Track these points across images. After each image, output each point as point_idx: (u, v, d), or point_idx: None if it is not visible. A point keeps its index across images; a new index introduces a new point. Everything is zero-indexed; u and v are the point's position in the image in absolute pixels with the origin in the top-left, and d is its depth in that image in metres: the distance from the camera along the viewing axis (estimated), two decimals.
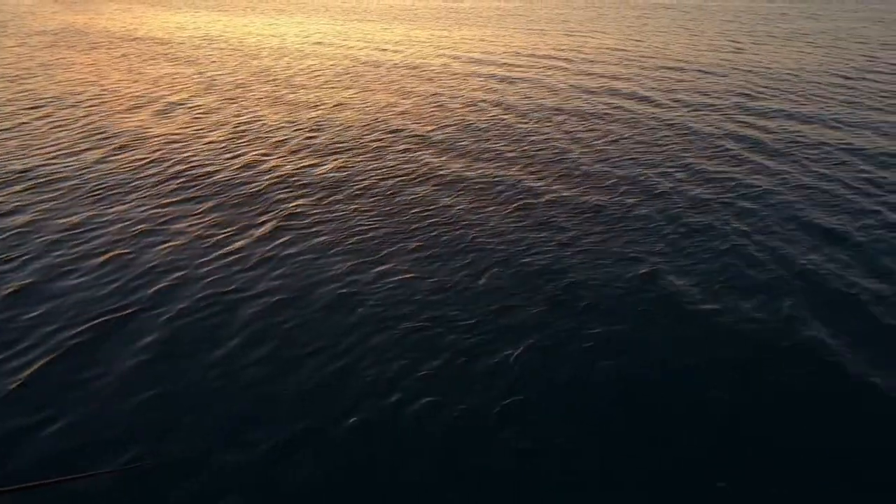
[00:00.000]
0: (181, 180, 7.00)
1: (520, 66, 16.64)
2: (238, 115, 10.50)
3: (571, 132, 9.31)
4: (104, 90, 12.58)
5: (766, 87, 13.36)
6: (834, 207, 6.23)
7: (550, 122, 10.04)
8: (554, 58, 17.94)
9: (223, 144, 8.66)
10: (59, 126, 9.45)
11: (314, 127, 9.56)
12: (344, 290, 4.52)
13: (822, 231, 5.63)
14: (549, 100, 11.90)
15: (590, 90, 12.95)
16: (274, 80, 14.22)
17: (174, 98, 11.89)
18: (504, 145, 8.62)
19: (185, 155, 7.98)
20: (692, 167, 7.64)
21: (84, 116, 10.07)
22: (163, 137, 8.94)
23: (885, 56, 17.97)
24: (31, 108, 10.62)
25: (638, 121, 10.11)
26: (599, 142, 8.88)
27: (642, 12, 37.94)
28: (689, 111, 10.94)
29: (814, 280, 4.69)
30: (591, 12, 38.41)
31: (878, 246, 5.30)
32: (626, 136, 9.19)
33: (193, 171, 7.30)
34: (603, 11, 39.02)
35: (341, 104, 11.45)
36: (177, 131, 9.32)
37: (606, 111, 10.95)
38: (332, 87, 13.21)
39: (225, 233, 5.57)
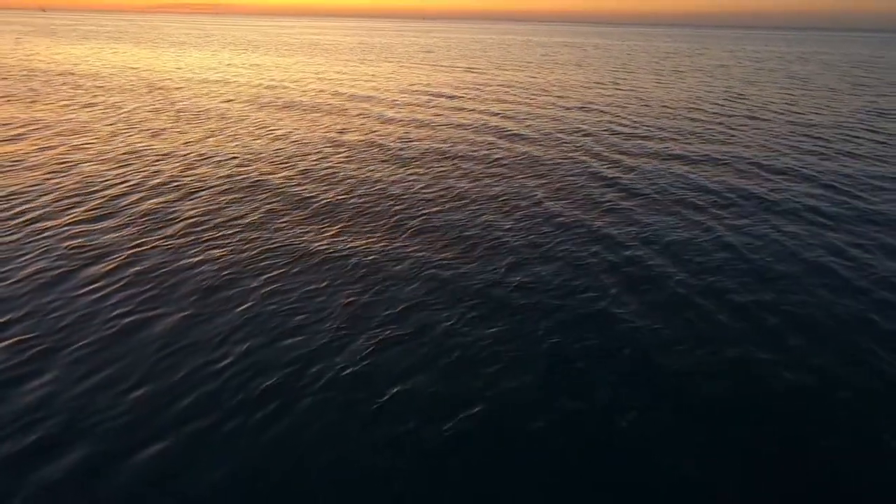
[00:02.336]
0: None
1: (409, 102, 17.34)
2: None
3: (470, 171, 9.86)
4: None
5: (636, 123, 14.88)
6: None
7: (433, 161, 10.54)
8: (451, 96, 18.85)
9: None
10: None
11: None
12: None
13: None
14: (431, 140, 12.48)
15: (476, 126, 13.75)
16: (180, 112, 13.78)
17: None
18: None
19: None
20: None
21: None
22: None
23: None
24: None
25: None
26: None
27: (548, 49, 40.85)
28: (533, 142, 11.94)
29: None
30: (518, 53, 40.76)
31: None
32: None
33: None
34: (511, 52, 41.58)
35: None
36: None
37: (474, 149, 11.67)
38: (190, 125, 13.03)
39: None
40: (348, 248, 6.01)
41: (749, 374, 4.05)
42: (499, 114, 14.84)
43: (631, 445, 3.34)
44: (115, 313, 4.61)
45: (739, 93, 20.42)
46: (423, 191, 8.15)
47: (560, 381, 3.91)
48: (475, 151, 10.65)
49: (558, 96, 18.46)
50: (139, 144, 10.56)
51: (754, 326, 4.67)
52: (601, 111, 15.60)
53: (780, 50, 56.84)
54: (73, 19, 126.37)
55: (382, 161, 9.81)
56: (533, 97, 18.12)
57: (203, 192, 7.84)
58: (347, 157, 10.04)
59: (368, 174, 8.97)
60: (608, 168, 9.68)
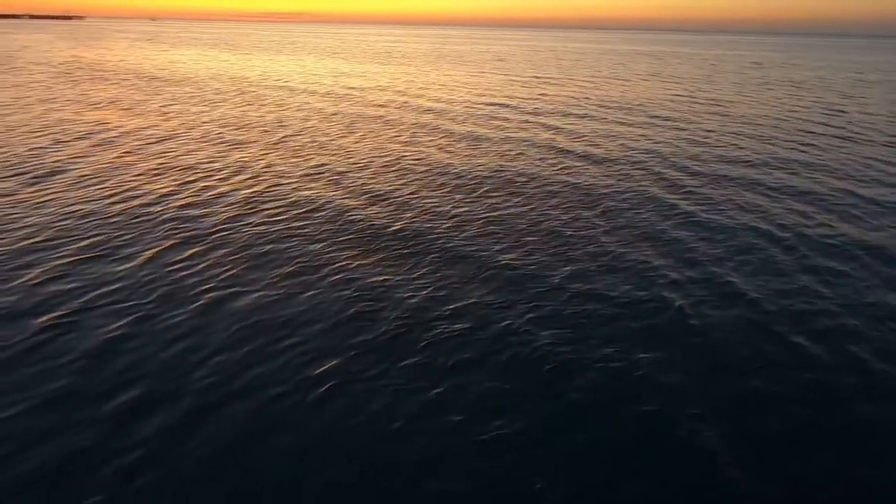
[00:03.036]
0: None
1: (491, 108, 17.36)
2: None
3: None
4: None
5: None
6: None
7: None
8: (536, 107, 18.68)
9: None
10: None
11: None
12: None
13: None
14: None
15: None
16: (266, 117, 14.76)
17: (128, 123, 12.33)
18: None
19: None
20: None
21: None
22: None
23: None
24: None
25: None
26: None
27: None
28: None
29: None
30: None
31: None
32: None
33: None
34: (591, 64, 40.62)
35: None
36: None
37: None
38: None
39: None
40: (415, 245, 6.25)
41: (831, 401, 3.83)
42: (565, 126, 14.69)
43: (692, 455, 3.27)
44: (202, 288, 5.11)
45: (837, 109, 18.85)
46: (489, 194, 8.27)
47: (621, 387, 3.88)
48: (542, 162, 10.64)
49: (632, 109, 17.95)
50: (228, 141, 11.51)
51: (837, 353, 4.38)
52: (680, 127, 15.01)
53: (886, 59, 51.68)
54: (177, 27, 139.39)
55: (449, 169, 10.04)
56: (605, 109, 17.75)
57: (285, 184, 8.43)
58: (415, 161, 10.37)
59: (437, 178, 9.23)
60: (681, 187, 9.34)
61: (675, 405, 3.73)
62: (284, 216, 7.11)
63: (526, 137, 12.56)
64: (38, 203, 7.32)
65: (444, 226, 6.92)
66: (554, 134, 13.07)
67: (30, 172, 8.71)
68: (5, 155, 9.74)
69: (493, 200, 8.00)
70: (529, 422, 3.54)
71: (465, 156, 10.72)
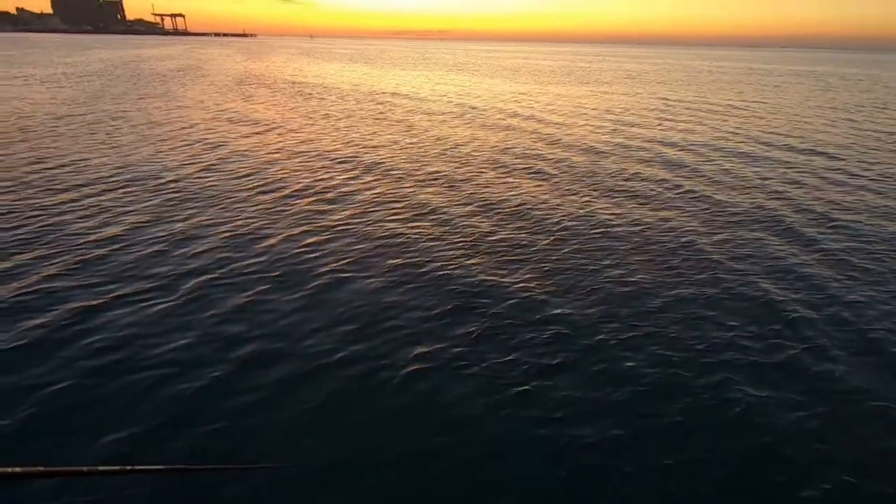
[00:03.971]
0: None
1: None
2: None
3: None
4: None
5: None
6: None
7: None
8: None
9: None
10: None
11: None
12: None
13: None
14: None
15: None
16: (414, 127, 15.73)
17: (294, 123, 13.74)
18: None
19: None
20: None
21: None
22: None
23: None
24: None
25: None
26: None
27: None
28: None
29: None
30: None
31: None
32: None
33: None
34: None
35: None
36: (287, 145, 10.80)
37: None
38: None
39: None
40: (520, 253, 6.34)
41: None
42: (684, 146, 13.67)
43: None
44: (321, 271, 5.71)
45: None
46: (602, 210, 8.06)
47: (718, 419, 3.60)
48: (661, 182, 10.07)
49: (774, 137, 16.14)
50: (357, 144, 12.60)
51: None
52: (831, 156, 13.18)
53: None
54: (329, 44, 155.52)
55: (564, 181, 9.95)
56: (742, 137, 16.20)
57: (404, 186, 9.04)
58: (529, 173, 10.44)
59: (549, 190, 9.21)
60: (828, 220, 8.24)
61: (783, 448, 3.36)
62: (400, 215, 7.63)
63: (646, 156, 11.96)
64: (203, 187, 8.72)
65: (552, 237, 6.90)
66: (672, 150, 12.26)
67: (198, 160, 10.40)
68: (183, 145, 11.73)
69: (606, 216, 7.78)
70: (605, 434, 3.43)
71: (582, 170, 10.54)
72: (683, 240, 6.95)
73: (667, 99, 24.03)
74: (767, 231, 7.38)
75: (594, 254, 6.38)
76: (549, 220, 7.53)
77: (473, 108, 19.73)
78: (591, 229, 7.22)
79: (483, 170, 10.42)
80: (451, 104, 20.62)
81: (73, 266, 5.59)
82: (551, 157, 11.73)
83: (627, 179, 9.94)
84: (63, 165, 9.65)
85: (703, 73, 46.16)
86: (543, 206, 8.22)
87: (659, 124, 16.55)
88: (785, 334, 4.69)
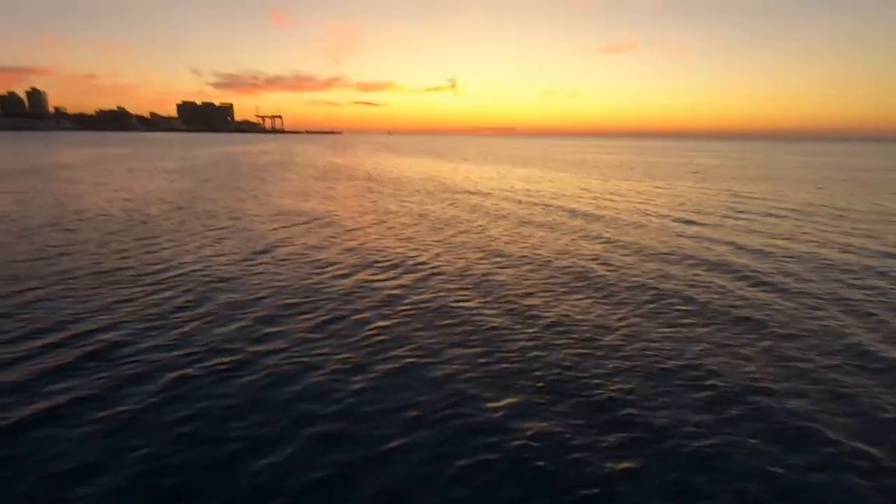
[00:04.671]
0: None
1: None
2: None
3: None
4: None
5: None
6: None
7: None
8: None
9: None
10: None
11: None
12: None
13: None
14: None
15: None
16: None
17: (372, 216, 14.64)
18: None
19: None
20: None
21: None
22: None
23: None
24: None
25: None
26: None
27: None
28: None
29: None
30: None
31: None
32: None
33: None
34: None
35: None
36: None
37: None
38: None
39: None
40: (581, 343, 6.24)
41: None
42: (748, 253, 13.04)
43: None
44: (391, 355, 5.90)
45: None
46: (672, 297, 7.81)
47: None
48: (722, 294, 9.62)
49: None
50: (425, 234, 13.27)
51: None
52: None
53: None
54: (405, 139, 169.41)
55: (627, 276, 9.81)
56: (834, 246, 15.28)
57: (473, 276, 9.32)
58: (584, 262, 10.41)
59: (615, 286, 9.10)
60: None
61: None
62: (469, 303, 7.81)
63: (715, 257, 11.54)
64: (281, 271, 9.51)
65: (625, 334, 6.74)
66: (731, 252, 11.71)
67: (278, 246, 11.39)
68: (265, 231, 12.95)
69: (661, 329, 7.50)
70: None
71: (647, 275, 10.35)
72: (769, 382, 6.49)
73: (740, 195, 23.44)
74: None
75: (661, 347, 6.11)
76: (617, 316, 7.38)
77: (536, 201, 20.29)
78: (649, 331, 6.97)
79: (545, 263, 10.53)
80: (514, 198, 21.34)
81: (171, 339, 6.19)
82: (614, 255, 11.65)
83: (695, 287, 9.60)
84: (163, 245, 10.95)
85: (783, 167, 44.84)
86: (611, 302, 8.10)
87: (730, 226, 16.08)
88: None
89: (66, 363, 5.47)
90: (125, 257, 9.94)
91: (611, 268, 9.98)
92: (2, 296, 7.55)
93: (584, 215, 16.39)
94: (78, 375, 5.22)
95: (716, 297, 8.27)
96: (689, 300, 8.05)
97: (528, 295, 8.16)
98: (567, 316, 7.23)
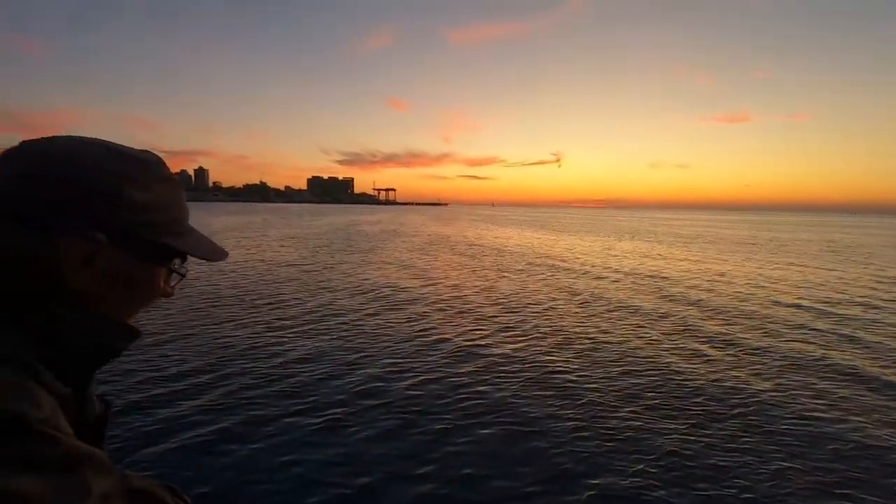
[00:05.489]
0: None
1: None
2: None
3: None
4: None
5: None
6: None
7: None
8: None
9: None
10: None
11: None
12: None
13: None
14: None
15: None
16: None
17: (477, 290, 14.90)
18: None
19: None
20: None
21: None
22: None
23: None
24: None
25: None
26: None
27: None
28: None
29: None
30: None
31: None
32: None
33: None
34: None
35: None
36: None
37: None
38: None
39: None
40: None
41: None
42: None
43: None
44: (496, 421, 5.98)
45: None
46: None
47: None
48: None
49: None
50: (526, 304, 13.34)
51: None
52: None
53: None
54: (508, 211, 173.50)
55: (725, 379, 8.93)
56: None
57: (580, 349, 9.18)
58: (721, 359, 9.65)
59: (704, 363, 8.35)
60: None
61: None
62: (574, 374, 7.69)
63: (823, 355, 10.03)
64: (385, 331, 10.13)
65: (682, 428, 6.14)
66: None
67: (383, 310, 12.16)
68: (369, 292, 13.90)
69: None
70: None
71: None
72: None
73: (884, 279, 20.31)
74: None
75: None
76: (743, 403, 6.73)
77: (643, 278, 19.45)
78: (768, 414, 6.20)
79: (647, 345, 9.99)
80: (617, 273, 20.68)
81: (278, 389, 6.89)
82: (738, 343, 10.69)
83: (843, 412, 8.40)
84: (283, 299, 12.28)
85: None
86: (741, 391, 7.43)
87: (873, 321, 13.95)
88: None
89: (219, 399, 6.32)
90: (252, 308, 11.33)
91: (716, 357, 9.17)
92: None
93: (698, 298, 14.94)
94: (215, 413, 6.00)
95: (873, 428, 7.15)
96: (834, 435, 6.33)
97: (627, 374, 7.79)
98: (671, 400, 6.77)
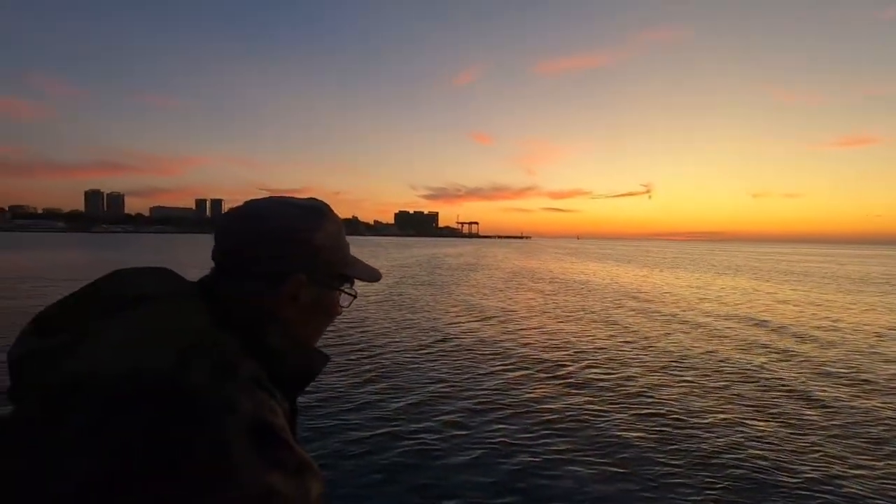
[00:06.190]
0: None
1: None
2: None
3: None
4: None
5: None
6: None
7: None
8: None
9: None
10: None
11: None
12: None
13: None
14: None
15: None
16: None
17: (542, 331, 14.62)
18: None
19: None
20: None
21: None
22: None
23: None
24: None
25: None
26: None
27: None
28: None
29: None
30: None
31: None
32: None
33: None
34: None
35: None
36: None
37: None
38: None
39: None
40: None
41: None
42: None
43: None
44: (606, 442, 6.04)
45: None
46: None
47: None
48: None
49: None
50: (612, 343, 12.97)
51: None
52: None
53: None
54: (594, 244, 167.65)
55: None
56: None
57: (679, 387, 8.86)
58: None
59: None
60: None
61: None
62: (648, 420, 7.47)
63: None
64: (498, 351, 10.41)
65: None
66: None
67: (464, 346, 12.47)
68: (451, 325, 14.26)
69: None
70: None
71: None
72: None
73: None
74: None
75: None
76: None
77: (744, 321, 17.95)
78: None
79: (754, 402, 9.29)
80: (715, 315, 19.28)
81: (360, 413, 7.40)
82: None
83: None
84: (367, 330, 13.01)
85: None
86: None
87: None
88: None
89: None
90: (339, 332, 12.19)
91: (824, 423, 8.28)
92: None
93: (813, 352, 12.53)
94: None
95: None
96: None
97: (724, 432, 7.36)
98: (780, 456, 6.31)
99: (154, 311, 0.68)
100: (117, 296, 0.71)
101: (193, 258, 42.74)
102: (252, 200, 0.87)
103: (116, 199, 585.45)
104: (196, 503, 0.54)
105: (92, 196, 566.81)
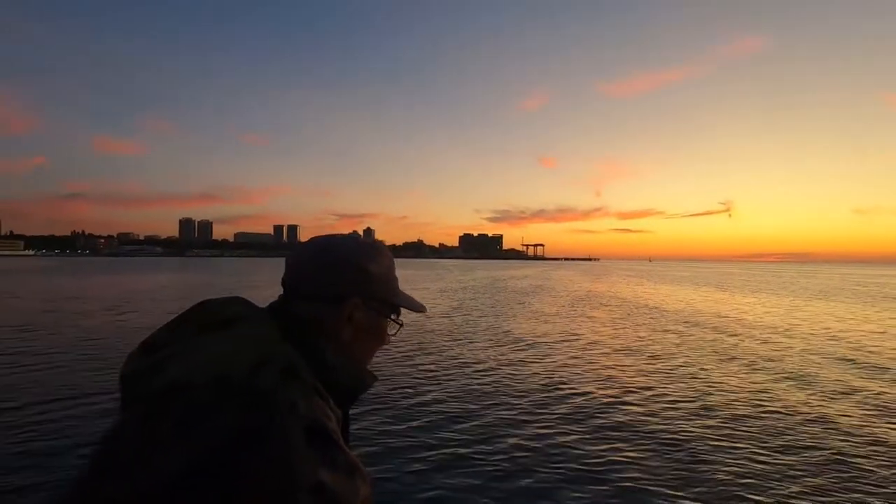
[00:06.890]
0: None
1: None
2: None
3: None
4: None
5: None
6: None
7: None
8: None
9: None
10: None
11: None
12: None
13: None
14: None
15: None
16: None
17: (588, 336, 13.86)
18: None
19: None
20: None
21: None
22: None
23: None
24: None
25: None
26: None
27: None
28: None
29: None
30: None
31: None
32: None
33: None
34: None
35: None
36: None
37: None
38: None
39: None
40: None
41: None
42: None
43: None
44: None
45: None
46: None
47: None
48: None
49: None
50: (690, 372, 12.18)
51: None
52: None
53: None
54: (666, 266, 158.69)
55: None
56: None
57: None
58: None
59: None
60: None
61: None
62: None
63: None
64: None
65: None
66: None
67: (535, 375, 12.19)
68: (516, 349, 14.01)
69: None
70: None
71: None
72: None
73: None
74: None
75: None
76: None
77: (847, 357, 16.21)
78: None
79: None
80: (812, 347, 17.57)
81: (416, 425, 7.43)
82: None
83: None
84: (428, 353, 13.10)
85: None
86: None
87: None
88: None
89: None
90: (432, 355, 12.39)
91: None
92: None
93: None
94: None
95: None
96: None
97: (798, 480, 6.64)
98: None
99: (235, 330, 0.80)
100: (205, 320, 0.83)
101: (268, 278, 45.70)
102: (319, 236, 1.02)
103: (206, 227, 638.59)
104: (257, 487, 0.61)
105: (185, 224, 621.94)
